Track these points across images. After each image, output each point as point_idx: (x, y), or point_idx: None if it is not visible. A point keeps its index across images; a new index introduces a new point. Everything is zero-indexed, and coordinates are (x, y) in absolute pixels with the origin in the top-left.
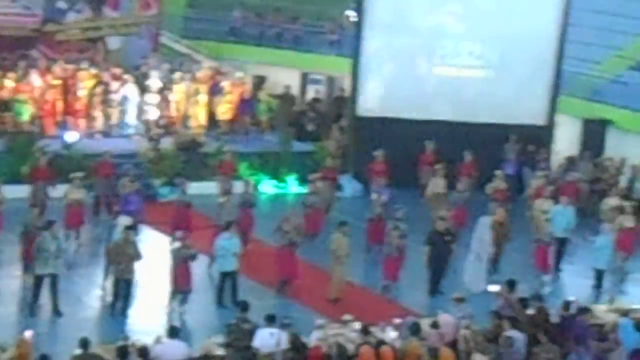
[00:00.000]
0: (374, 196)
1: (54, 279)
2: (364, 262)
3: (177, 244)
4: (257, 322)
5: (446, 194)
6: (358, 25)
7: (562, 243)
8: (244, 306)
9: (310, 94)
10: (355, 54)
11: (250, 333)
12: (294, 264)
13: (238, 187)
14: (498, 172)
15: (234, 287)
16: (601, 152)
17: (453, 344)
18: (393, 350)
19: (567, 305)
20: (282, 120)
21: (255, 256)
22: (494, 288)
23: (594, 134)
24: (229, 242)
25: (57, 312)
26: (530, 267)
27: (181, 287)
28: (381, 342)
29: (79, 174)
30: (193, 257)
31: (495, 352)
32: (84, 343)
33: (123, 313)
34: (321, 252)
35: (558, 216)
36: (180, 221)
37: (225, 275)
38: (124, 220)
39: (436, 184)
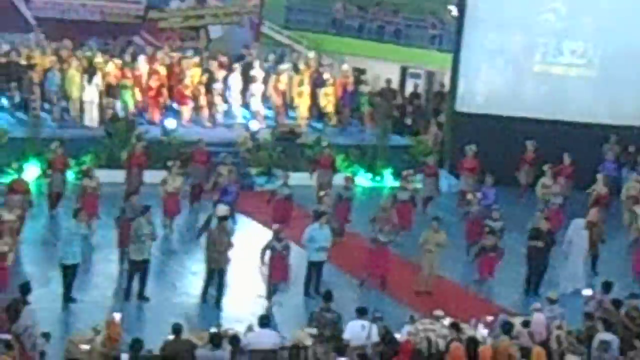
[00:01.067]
0: (469, 196)
1: (146, 264)
2: (460, 259)
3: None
4: (340, 312)
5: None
6: (459, 20)
7: None
8: (327, 296)
9: (409, 88)
10: (455, 49)
11: (333, 323)
12: (388, 262)
13: (337, 180)
14: (599, 176)
15: (318, 277)
16: None
17: (544, 344)
18: (491, 350)
19: None
20: (381, 114)
21: (349, 249)
22: (587, 292)
23: None
24: (318, 232)
25: (143, 297)
26: (627, 269)
27: (275, 279)
28: (472, 339)
29: (177, 162)
30: (284, 251)
31: (587, 353)
32: (177, 329)
33: (217, 302)
34: (415, 247)
35: None
36: (281, 214)
37: (312, 265)
38: (222, 210)
39: (544, 184)
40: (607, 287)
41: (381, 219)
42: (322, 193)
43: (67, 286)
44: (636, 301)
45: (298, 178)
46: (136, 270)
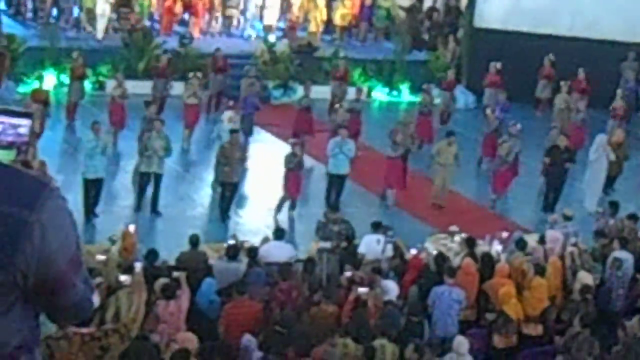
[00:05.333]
0: (488, 111)
1: (157, 178)
2: (475, 175)
3: (290, 150)
4: (352, 224)
5: (570, 110)
6: None
7: None
8: (333, 207)
9: (428, 2)
10: None
11: (339, 234)
12: (402, 175)
13: (350, 93)
14: (618, 91)
15: (338, 191)
16: None
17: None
18: (508, 267)
19: None
20: (403, 30)
21: (363, 163)
22: (598, 209)
23: None
24: (341, 144)
25: (155, 211)
26: None
27: (290, 192)
28: (487, 255)
29: (198, 74)
30: (300, 166)
31: (601, 271)
32: (194, 240)
33: (226, 213)
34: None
35: None
36: (301, 124)
37: (333, 177)
38: (229, 115)
39: (561, 100)
40: (614, 207)
41: (397, 132)
42: (336, 106)
43: (92, 201)
44: None
45: (315, 91)
46: (148, 182)
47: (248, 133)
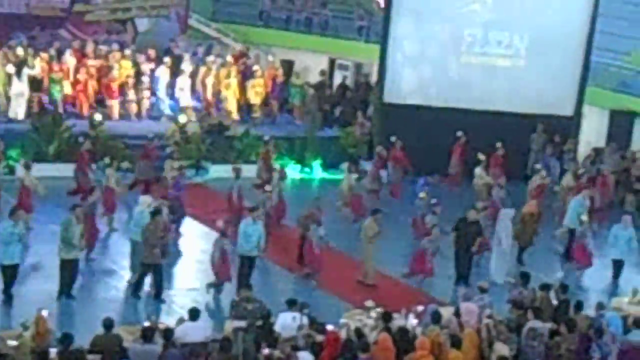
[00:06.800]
0: (422, 195)
1: (75, 264)
2: (388, 249)
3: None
4: (266, 302)
5: (489, 184)
6: (387, 11)
7: (572, 234)
8: (247, 285)
9: (338, 79)
10: (383, 41)
11: (253, 313)
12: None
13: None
14: (538, 167)
15: (249, 271)
16: (628, 143)
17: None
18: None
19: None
20: (313, 106)
21: (281, 241)
22: (510, 279)
23: (621, 125)
24: (251, 227)
25: (69, 295)
26: (555, 257)
27: (222, 278)
28: (402, 329)
29: (109, 158)
30: (225, 250)
31: (517, 342)
32: (108, 323)
33: (157, 297)
34: (347, 239)
35: (576, 207)
36: (233, 209)
37: (243, 259)
38: (146, 200)
39: (480, 175)
40: (525, 278)
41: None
42: (268, 187)
43: (6, 286)
44: (564, 296)
45: (227, 170)
46: (66, 267)
47: (183, 214)
